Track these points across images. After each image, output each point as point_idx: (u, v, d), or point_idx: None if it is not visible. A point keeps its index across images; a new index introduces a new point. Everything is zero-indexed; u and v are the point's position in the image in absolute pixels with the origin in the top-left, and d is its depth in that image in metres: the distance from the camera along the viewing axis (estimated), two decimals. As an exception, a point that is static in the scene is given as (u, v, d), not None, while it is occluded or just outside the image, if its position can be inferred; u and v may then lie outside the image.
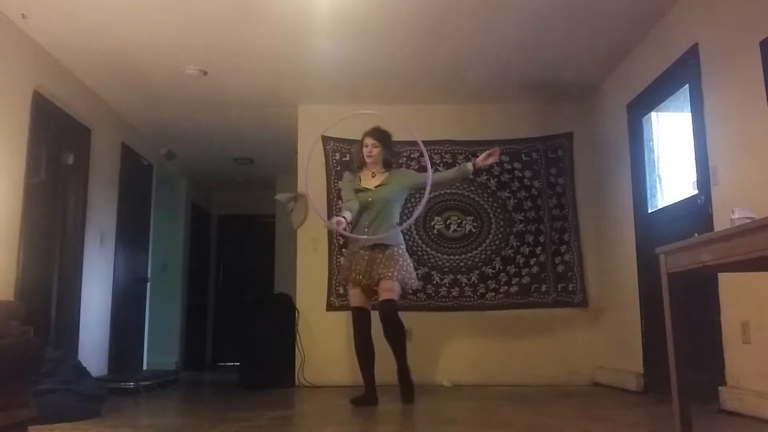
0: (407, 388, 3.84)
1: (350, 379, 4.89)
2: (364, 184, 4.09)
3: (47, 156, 4.48)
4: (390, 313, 3.82)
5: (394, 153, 4.22)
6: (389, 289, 3.84)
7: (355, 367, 4.68)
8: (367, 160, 4.07)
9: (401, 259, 3.95)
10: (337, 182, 5.42)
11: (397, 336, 3.84)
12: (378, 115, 4.18)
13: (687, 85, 3.83)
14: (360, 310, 3.97)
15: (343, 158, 5.43)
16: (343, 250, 4.29)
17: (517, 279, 5.29)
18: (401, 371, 3.88)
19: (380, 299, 3.88)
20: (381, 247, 3.93)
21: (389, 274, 3.84)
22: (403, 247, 4.07)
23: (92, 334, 5.06)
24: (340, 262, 5.29)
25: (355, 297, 3.99)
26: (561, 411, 3.70)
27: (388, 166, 4.13)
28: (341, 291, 5.29)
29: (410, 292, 4.52)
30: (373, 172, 4.12)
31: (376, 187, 4.05)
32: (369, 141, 4.07)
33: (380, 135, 4.10)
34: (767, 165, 3.08)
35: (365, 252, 3.95)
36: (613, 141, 4.94)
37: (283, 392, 4.81)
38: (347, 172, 4.31)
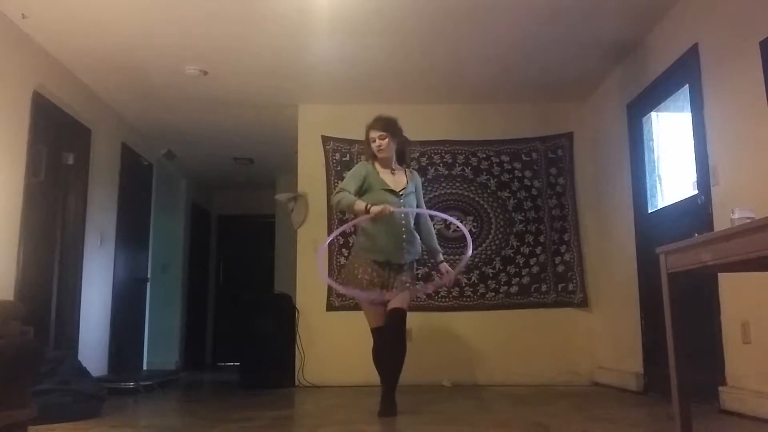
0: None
1: (350, 379, 4.90)
2: (390, 183, 3.65)
3: (47, 156, 4.48)
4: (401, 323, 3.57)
5: (408, 142, 3.81)
6: (405, 300, 3.59)
7: (356, 368, 4.72)
8: (380, 155, 3.65)
9: (414, 269, 3.76)
10: (337, 182, 5.42)
11: (400, 351, 3.55)
12: None
13: (687, 85, 3.83)
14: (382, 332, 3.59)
15: (343, 158, 5.44)
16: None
17: (517, 279, 5.30)
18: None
19: (391, 307, 3.55)
20: (409, 263, 3.65)
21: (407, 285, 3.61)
22: None
23: (92, 334, 5.06)
24: (340, 261, 5.30)
25: (378, 317, 3.60)
26: (561, 411, 3.70)
27: (402, 160, 3.77)
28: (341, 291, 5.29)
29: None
30: (392, 169, 3.70)
31: (406, 194, 3.67)
32: (374, 134, 3.65)
33: (386, 124, 3.67)
34: (767, 165, 3.08)
35: (379, 267, 3.56)
36: (613, 141, 4.94)
37: (283, 392, 4.81)
38: (363, 162, 3.79)
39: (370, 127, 3.69)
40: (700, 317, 3.50)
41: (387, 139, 3.62)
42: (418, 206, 3.77)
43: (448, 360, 5.14)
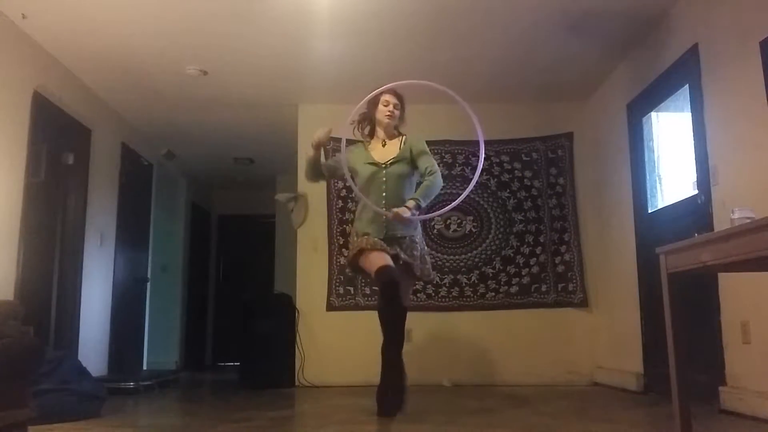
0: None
1: (350, 379, 4.90)
2: (376, 157, 3.50)
3: (47, 156, 4.47)
4: (402, 317, 3.30)
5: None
6: (406, 292, 3.42)
7: (356, 368, 4.65)
8: (387, 120, 3.52)
9: (417, 250, 3.44)
10: (337, 182, 5.42)
11: (400, 346, 3.27)
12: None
13: (687, 85, 3.83)
14: (391, 268, 3.20)
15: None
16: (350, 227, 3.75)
17: (517, 279, 5.30)
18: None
19: None
20: (396, 238, 3.36)
21: (414, 263, 3.36)
22: (420, 233, 3.54)
23: (92, 334, 5.06)
24: (340, 261, 5.30)
25: (380, 258, 3.23)
26: (561, 411, 3.70)
27: (397, 130, 3.61)
28: (341, 291, 5.29)
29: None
30: (383, 141, 3.56)
31: (390, 163, 3.47)
32: (392, 99, 3.51)
33: (399, 94, 3.56)
34: (767, 165, 3.08)
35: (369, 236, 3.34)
36: (613, 141, 4.94)
37: (283, 392, 4.81)
38: (352, 146, 3.69)
39: (383, 92, 3.52)
40: (700, 317, 3.50)
41: (399, 111, 3.55)
42: (419, 168, 3.48)
43: (448, 360, 5.14)
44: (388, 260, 3.26)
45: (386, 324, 3.24)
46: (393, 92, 3.54)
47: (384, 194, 3.42)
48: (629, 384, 4.40)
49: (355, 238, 3.46)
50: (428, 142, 5.31)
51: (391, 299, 3.20)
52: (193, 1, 3.87)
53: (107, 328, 5.41)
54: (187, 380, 6.27)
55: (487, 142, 5.38)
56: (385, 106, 3.53)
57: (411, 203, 3.31)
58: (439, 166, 5.33)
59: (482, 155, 3.57)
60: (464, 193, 3.53)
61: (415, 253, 3.41)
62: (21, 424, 2.52)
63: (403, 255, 3.36)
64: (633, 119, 4.60)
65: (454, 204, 3.63)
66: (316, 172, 3.66)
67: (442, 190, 5.30)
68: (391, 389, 3.21)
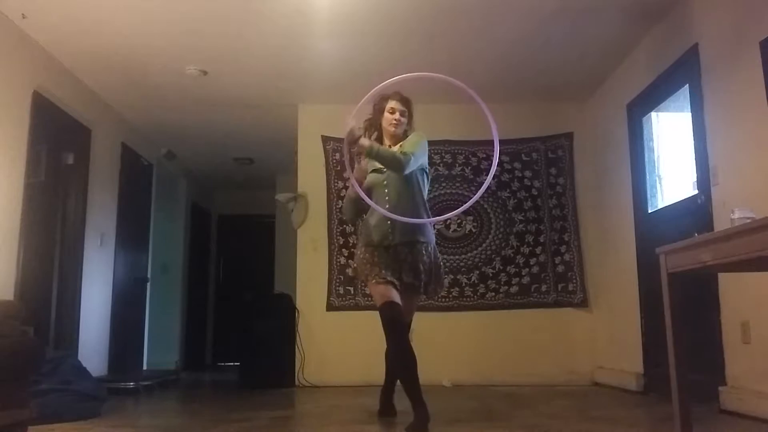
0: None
1: (350, 379, 4.90)
2: (379, 164, 3.28)
3: (47, 156, 4.48)
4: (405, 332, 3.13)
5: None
6: (410, 310, 3.23)
7: (356, 368, 4.66)
8: (392, 129, 3.31)
9: (425, 263, 3.21)
10: (337, 182, 5.43)
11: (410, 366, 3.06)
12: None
13: (687, 85, 3.83)
14: (394, 304, 3.05)
15: (343, 158, 5.43)
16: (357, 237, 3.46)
17: (517, 279, 5.30)
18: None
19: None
20: (403, 244, 3.17)
21: (417, 283, 3.16)
22: (432, 240, 3.31)
23: (92, 334, 5.06)
24: (340, 261, 5.30)
25: (386, 291, 3.09)
26: (561, 411, 3.70)
27: (403, 137, 3.37)
28: (341, 291, 5.29)
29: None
30: (389, 146, 3.33)
31: None
32: (397, 105, 3.31)
33: (407, 101, 3.36)
34: (767, 165, 3.08)
35: (385, 250, 3.17)
36: (613, 141, 4.94)
37: (283, 392, 4.81)
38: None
39: (390, 98, 3.33)
40: (700, 317, 3.50)
41: (405, 118, 3.35)
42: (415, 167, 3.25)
43: (448, 360, 5.13)
44: (393, 295, 3.09)
45: (391, 349, 3.19)
46: (399, 98, 3.35)
47: (387, 198, 3.25)
48: (629, 384, 4.40)
49: (360, 253, 3.28)
50: (428, 142, 5.34)
51: (392, 332, 3.05)
52: (193, 1, 3.87)
53: (107, 328, 5.41)
54: (187, 380, 6.27)
55: (487, 142, 5.44)
56: (391, 114, 3.33)
57: (365, 141, 3.10)
58: (439, 166, 5.44)
59: (496, 156, 3.36)
60: (476, 195, 3.38)
61: (421, 266, 3.18)
62: (21, 424, 2.53)
63: (406, 278, 3.16)
64: (633, 119, 4.60)
65: (465, 206, 3.47)
66: (360, 207, 3.39)
67: (441, 189, 5.42)
68: (419, 416, 2.90)
